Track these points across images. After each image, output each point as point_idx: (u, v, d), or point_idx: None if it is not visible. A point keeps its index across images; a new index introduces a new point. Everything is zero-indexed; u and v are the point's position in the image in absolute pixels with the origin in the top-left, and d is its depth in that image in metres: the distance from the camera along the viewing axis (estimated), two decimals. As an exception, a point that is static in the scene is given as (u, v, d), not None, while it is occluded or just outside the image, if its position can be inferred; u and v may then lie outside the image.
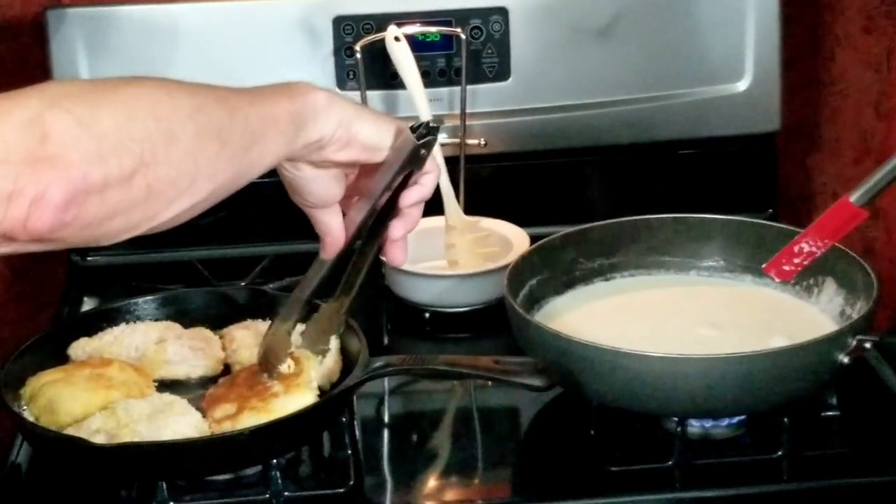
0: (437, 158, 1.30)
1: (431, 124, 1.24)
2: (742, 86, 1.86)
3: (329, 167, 1.21)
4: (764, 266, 1.48)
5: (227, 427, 1.33)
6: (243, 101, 1.09)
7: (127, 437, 1.30)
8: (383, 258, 1.35)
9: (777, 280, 1.47)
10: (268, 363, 1.36)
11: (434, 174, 1.27)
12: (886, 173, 1.36)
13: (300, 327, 1.40)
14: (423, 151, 1.23)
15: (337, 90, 1.81)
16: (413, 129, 1.23)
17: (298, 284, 1.34)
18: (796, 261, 1.44)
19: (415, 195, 1.27)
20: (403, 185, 1.26)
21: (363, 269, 1.33)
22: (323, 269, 1.31)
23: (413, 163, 1.24)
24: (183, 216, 1.03)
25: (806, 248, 1.43)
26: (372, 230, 1.29)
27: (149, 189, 0.98)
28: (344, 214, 1.27)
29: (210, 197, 1.05)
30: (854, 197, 1.38)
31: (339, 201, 1.25)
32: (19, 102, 0.94)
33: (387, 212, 1.28)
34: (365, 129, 1.19)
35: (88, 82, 1.03)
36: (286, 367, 1.37)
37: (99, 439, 1.30)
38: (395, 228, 1.28)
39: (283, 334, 1.36)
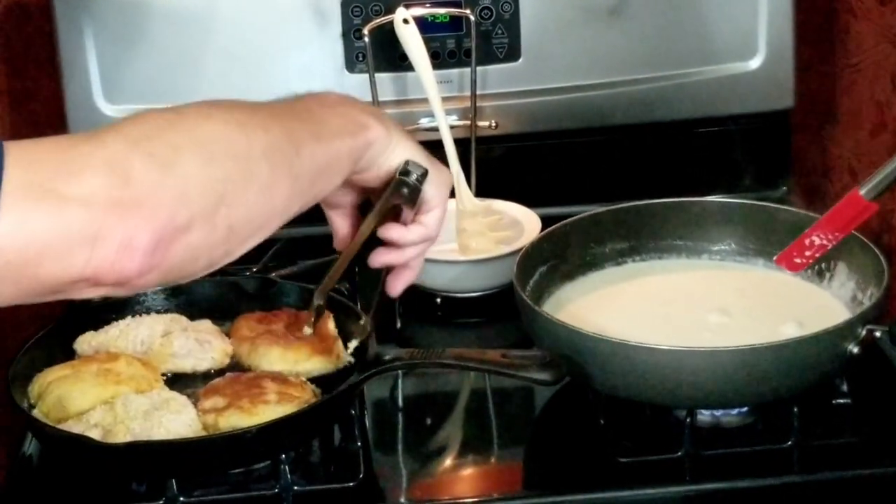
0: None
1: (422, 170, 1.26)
2: (755, 63, 1.84)
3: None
4: (775, 258, 1.48)
5: (211, 420, 1.33)
6: (308, 135, 1.11)
7: (121, 433, 1.30)
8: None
9: (788, 272, 1.46)
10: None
11: (438, 211, 1.29)
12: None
13: None
14: (404, 190, 1.24)
15: (345, 71, 1.80)
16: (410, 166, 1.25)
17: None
18: (807, 253, 1.44)
19: (407, 233, 1.28)
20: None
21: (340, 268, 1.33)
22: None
23: (396, 195, 1.25)
24: (249, 249, 1.07)
25: (817, 240, 1.43)
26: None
27: (230, 229, 1.01)
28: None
29: (275, 228, 1.08)
30: (864, 190, 1.38)
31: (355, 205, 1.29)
32: (100, 144, 0.96)
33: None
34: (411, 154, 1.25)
35: (164, 118, 1.03)
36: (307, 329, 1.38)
37: (95, 434, 1.31)
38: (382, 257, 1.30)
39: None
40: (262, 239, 1.07)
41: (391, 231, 1.27)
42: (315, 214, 1.87)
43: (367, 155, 1.19)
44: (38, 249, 0.91)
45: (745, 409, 1.41)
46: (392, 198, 1.25)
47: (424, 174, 1.25)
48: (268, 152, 1.05)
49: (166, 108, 1.05)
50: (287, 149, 1.07)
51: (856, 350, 1.35)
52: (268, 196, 1.04)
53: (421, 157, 1.25)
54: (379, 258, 1.29)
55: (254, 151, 1.04)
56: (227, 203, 1.00)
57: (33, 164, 0.92)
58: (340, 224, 1.30)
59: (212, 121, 1.04)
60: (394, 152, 1.22)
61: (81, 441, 1.31)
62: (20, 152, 0.92)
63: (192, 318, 1.53)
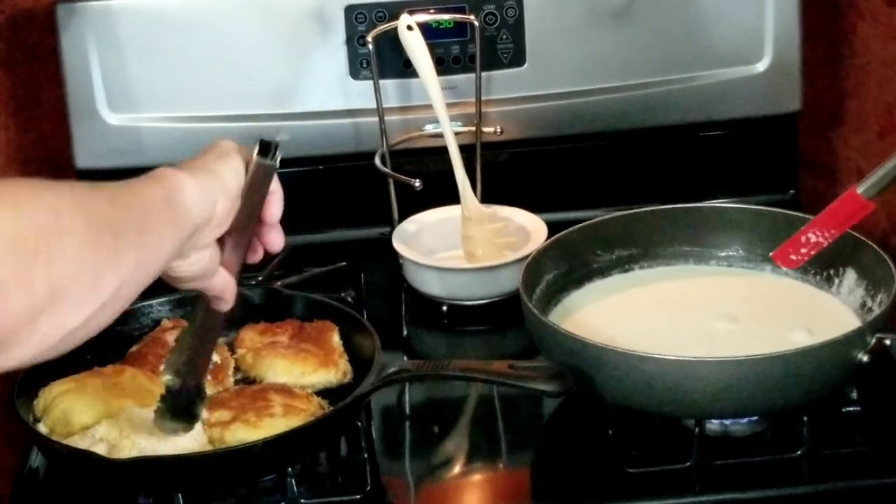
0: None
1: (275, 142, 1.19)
2: (762, 66, 1.83)
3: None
4: (772, 253, 1.48)
5: (217, 433, 1.33)
6: (116, 190, 1.01)
7: (126, 448, 1.30)
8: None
9: (784, 268, 1.47)
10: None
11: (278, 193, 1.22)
12: (895, 167, 1.35)
13: None
14: (273, 165, 1.19)
15: (349, 78, 1.79)
16: (262, 144, 1.18)
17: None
18: (803, 250, 1.44)
19: (277, 208, 1.22)
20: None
21: None
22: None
23: (268, 180, 1.19)
24: (94, 322, 0.95)
25: (813, 238, 1.43)
26: None
27: (52, 289, 0.90)
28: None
29: (118, 295, 0.97)
30: (862, 189, 1.37)
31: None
32: None
33: None
34: (230, 180, 1.14)
35: None
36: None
37: (101, 449, 1.31)
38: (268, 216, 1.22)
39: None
40: (101, 303, 0.94)
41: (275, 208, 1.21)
42: (319, 221, 1.88)
43: (196, 205, 1.09)
44: None
45: (754, 418, 1.40)
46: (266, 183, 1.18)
47: (277, 145, 1.19)
48: (80, 203, 0.95)
49: None
50: (98, 201, 0.98)
51: (865, 358, 1.34)
52: (90, 250, 0.93)
53: (239, 163, 1.16)
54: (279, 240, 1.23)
55: (63, 202, 0.94)
56: (44, 258, 0.89)
57: None
58: (221, 282, 1.18)
59: (13, 182, 0.93)
60: (226, 180, 1.13)
61: (87, 456, 1.30)
62: None
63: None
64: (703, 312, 1.53)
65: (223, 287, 1.19)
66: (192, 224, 1.08)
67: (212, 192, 1.11)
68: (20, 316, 0.88)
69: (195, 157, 1.14)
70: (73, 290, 0.92)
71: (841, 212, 1.41)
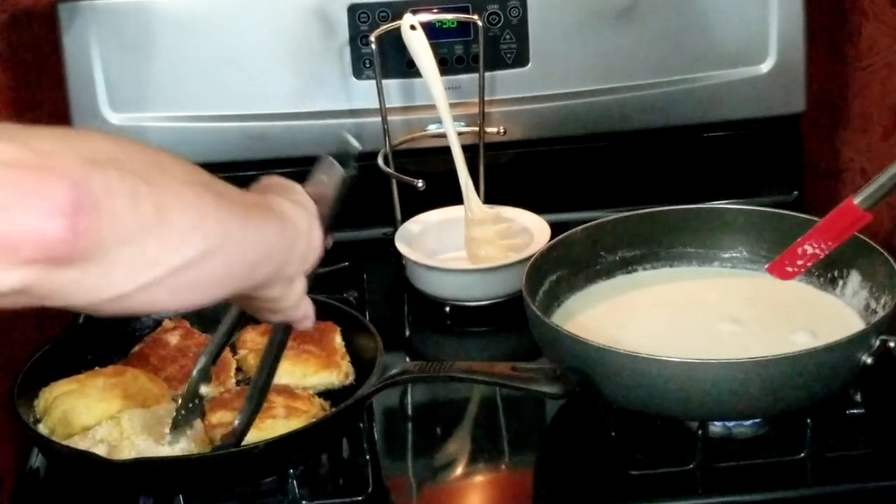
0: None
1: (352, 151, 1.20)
2: (766, 67, 1.83)
3: None
4: (767, 266, 1.47)
5: (219, 434, 1.32)
6: (231, 190, 1.00)
7: (126, 449, 1.30)
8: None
9: (780, 280, 1.47)
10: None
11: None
12: (892, 177, 1.35)
13: None
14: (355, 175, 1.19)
15: (352, 77, 1.79)
16: (335, 157, 1.19)
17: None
18: (799, 262, 1.44)
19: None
20: None
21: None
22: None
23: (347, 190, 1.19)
24: (185, 280, 0.92)
25: (810, 249, 1.42)
26: None
27: (158, 210, 0.88)
28: None
29: (210, 262, 0.93)
30: (858, 199, 1.36)
31: None
32: None
33: None
34: (311, 206, 1.11)
35: None
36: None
37: (101, 450, 1.30)
38: None
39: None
40: (195, 253, 0.91)
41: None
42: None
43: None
44: None
45: (757, 420, 1.39)
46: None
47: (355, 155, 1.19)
48: (180, 160, 0.95)
49: None
50: (204, 176, 0.97)
51: (869, 361, 1.34)
52: (192, 192, 0.93)
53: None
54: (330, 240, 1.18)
55: (163, 154, 0.94)
56: (148, 181, 0.88)
57: None
58: (307, 307, 1.16)
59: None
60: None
61: (87, 457, 1.30)
62: None
63: (201, 327, 1.52)
64: (706, 314, 1.52)
65: (309, 309, 1.17)
66: (295, 233, 1.06)
67: (306, 215, 1.09)
68: (128, 225, 0.86)
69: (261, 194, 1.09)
70: (179, 219, 0.90)
71: (838, 223, 1.41)
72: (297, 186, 1.12)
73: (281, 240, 1.04)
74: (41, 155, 0.83)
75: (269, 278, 1.04)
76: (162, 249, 0.89)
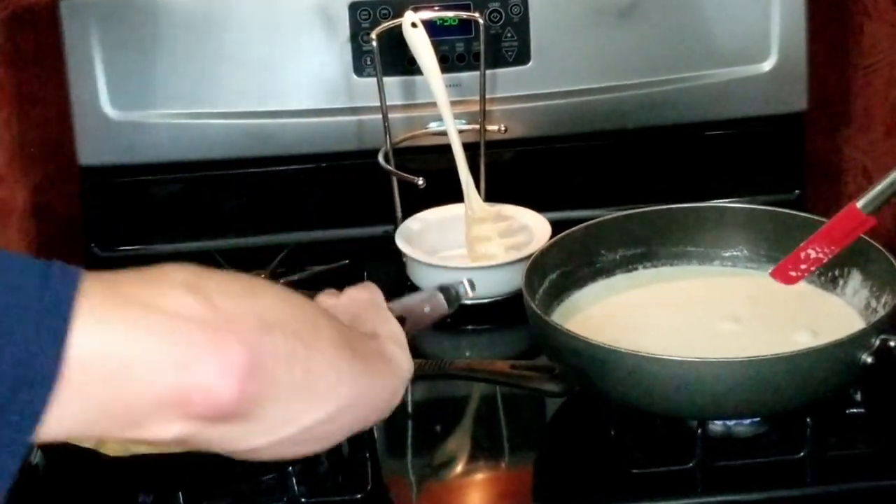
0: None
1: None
2: (768, 65, 1.82)
3: None
4: (770, 271, 1.47)
5: None
6: (361, 343, 1.05)
7: (127, 446, 1.29)
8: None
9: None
10: None
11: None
12: (895, 181, 1.35)
13: None
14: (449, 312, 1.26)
15: (353, 75, 1.79)
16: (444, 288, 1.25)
17: None
18: (802, 267, 1.44)
19: None
20: None
21: None
22: None
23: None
24: (308, 435, 0.96)
25: (813, 254, 1.43)
26: None
27: (306, 375, 0.93)
28: None
29: (331, 422, 0.97)
30: (861, 203, 1.36)
31: None
32: (168, 270, 0.90)
33: None
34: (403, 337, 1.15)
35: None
36: None
37: (100, 447, 1.30)
38: None
39: None
40: (329, 412, 0.96)
41: None
42: (322, 219, 1.87)
43: None
44: (121, 361, 0.83)
45: (757, 419, 1.39)
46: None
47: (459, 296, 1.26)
48: (327, 314, 1.01)
49: None
50: (343, 329, 1.02)
51: (870, 360, 1.34)
52: (335, 354, 0.97)
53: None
54: None
55: (309, 306, 0.99)
56: (304, 342, 0.93)
57: (108, 279, 0.85)
58: None
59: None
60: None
61: (87, 454, 1.29)
62: (91, 274, 0.84)
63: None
64: (706, 313, 1.52)
65: None
66: (404, 381, 1.10)
67: (405, 355, 1.11)
68: (282, 386, 0.91)
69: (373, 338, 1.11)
70: (320, 382, 0.95)
71: (841, 227, 1.41)
72: (386, 311, 1.16)
73: (395, 394, 1.08)
74: (223, 315, 0.87)
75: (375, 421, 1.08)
76: (301, 410, 0.95)
